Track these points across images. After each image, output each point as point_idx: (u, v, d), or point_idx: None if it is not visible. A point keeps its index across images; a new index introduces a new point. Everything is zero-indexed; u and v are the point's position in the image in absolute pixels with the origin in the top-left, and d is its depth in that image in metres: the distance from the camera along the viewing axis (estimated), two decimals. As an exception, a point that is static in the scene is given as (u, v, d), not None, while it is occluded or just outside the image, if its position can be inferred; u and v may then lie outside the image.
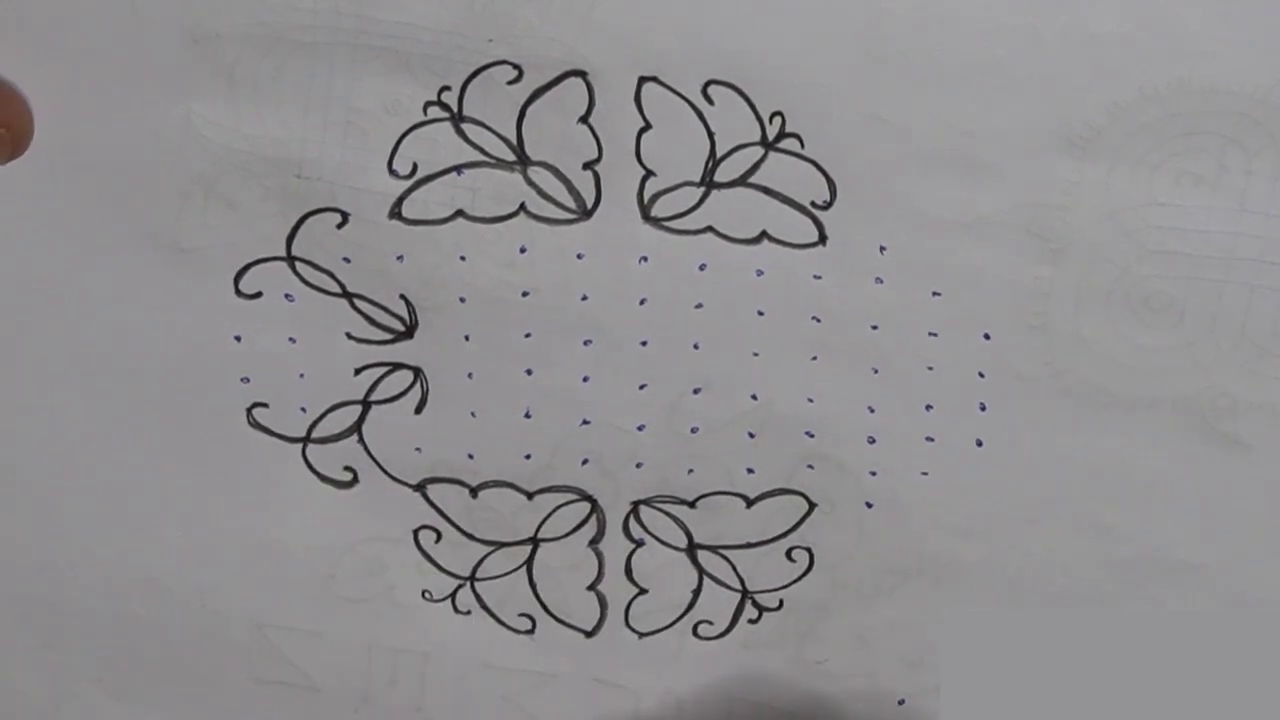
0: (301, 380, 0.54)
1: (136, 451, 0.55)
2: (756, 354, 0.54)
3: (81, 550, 0.56)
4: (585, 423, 0.55)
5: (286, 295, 0.54)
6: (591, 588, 0.57)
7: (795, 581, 0.56)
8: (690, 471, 0.55)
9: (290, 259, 0.53)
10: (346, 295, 0.54)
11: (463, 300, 0.53)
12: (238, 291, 0.53)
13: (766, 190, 0.52)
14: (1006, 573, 0.55)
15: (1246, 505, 0.53)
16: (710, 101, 0.51)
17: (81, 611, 0.57)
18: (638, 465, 0.55)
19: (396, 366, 0.54)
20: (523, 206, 0.52)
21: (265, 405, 0.55)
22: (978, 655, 0.50)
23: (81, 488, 0.55)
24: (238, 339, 0.54)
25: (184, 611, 0.57)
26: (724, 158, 0.52)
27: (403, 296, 0.53)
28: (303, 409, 0.55)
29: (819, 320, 0.53)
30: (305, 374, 0.54)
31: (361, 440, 0.55)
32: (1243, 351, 0.52)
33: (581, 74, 0.51)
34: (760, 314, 0.53)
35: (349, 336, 0.54)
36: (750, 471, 0.55)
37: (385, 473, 0.55)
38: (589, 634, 0.58)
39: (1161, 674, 0.49)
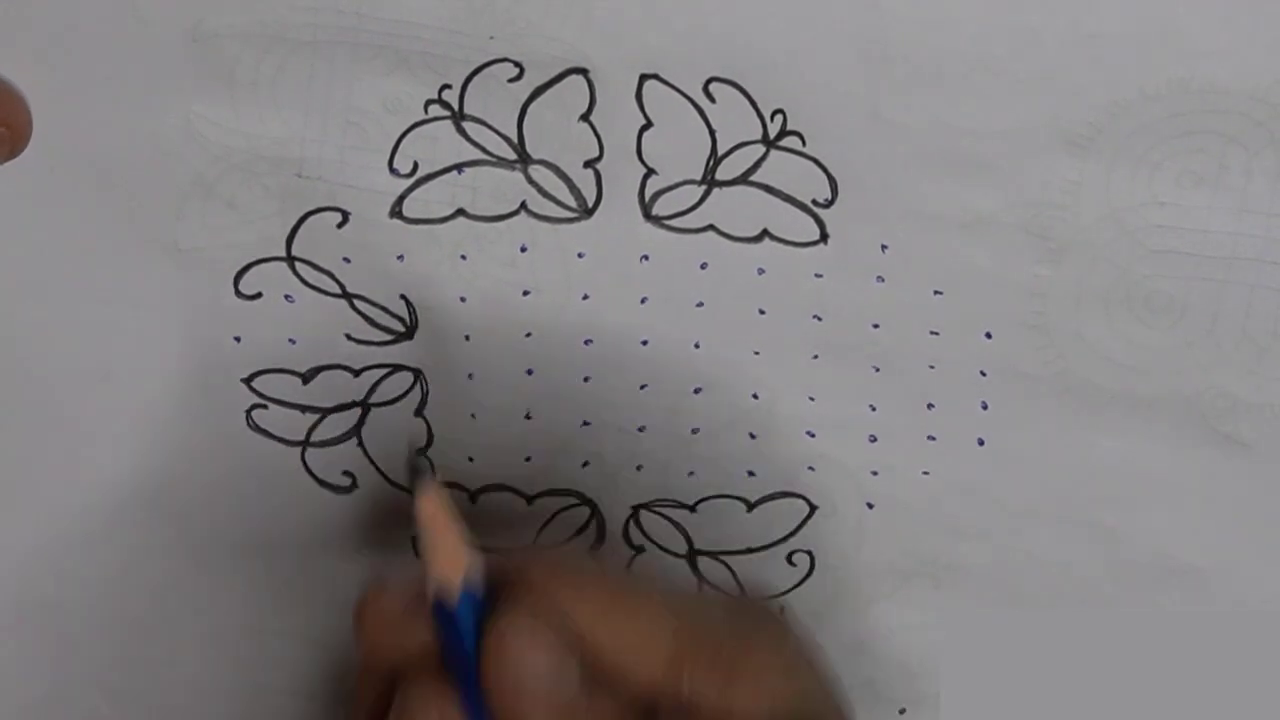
0: (301, 382, 0.54)
1: (135, 453, 0.55)
2: (757, 353, 0.54)
3: (81, 550, 0.56)
4: (586, 424, 0.55)
5: (286, 296, 0.53)
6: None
7: (796, 586, 0.56)
8: (691, 474, 0.55)
9: (290, 259, 0.53)
10: (346, 296, 0.53)
11: (463, 300, 0.53)
12: (238, 292, 0.53)
13: (768, 188, 0.52)
14: (1007, 572, 0.55)
15: (1246, 505, 0.53)
16: (711, 99, 0.51)
17: (81, 611, 0.57)
18: (638, 467, 0.55)
19: (396, 368, 0.54)
20: (523, 205, 0.52)
21: (265, 407, 0.55)
22: (978, 657, 0.50)
23: (80, 488, 0.55)
24: (237, 340, 0.54)
25: (182, 614, 0.57)
26: (725, 156, 0.51)
27: (403, 297, 0.53)
28: (302, 411, 0.55)
29: (820, 319, 0.53)
30: (305, 375, 0.54)
31: (361, 444, 0.55)
32: (1243, 351, 0.52)
33: (582, 72, 0.51)
34: (761, 313, 0.53)
35: (349, 338, 0.54)
36: (751, 474, 0.55)
37: (385, 477, 0.55)
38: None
39: (1162, 675, 0.49)
